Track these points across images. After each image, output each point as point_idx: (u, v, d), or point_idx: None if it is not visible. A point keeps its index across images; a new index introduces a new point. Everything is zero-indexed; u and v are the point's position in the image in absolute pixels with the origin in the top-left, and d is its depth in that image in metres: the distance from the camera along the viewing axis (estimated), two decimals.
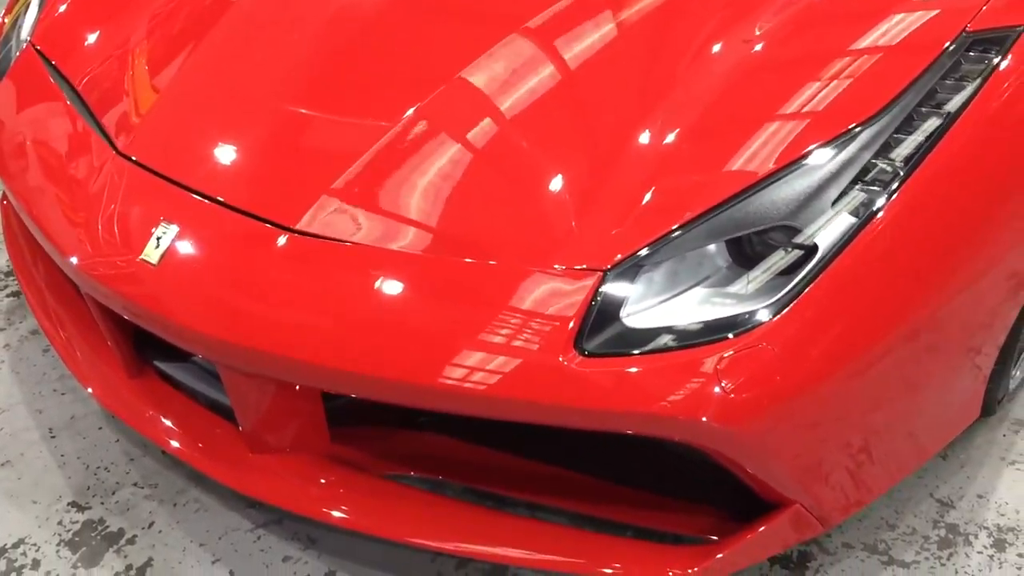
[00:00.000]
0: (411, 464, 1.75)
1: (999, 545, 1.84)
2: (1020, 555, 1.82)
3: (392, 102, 1.73)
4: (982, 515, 1.90)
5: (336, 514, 1.66)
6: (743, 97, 1.61)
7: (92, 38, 2.08)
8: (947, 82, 1.51)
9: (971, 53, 1.53)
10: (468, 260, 1.48)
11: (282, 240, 1.55)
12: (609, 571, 1.55)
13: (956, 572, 1.79)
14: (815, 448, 1.48)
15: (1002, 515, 1.89)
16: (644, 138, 1.58)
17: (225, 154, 1.73)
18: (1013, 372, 1.96)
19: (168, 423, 1.77)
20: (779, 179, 1.45)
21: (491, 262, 1.47)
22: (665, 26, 1.84)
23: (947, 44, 1.55)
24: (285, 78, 1.84)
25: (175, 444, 1.75)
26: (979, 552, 1.82)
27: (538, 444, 1.74)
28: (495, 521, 1.66)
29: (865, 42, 1.63)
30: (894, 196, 1.42)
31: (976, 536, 1.85)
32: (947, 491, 1.95)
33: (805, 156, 1.46)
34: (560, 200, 1.54)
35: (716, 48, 1.71)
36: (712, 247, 1.46)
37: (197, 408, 1.79)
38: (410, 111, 1.70)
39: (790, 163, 1.46)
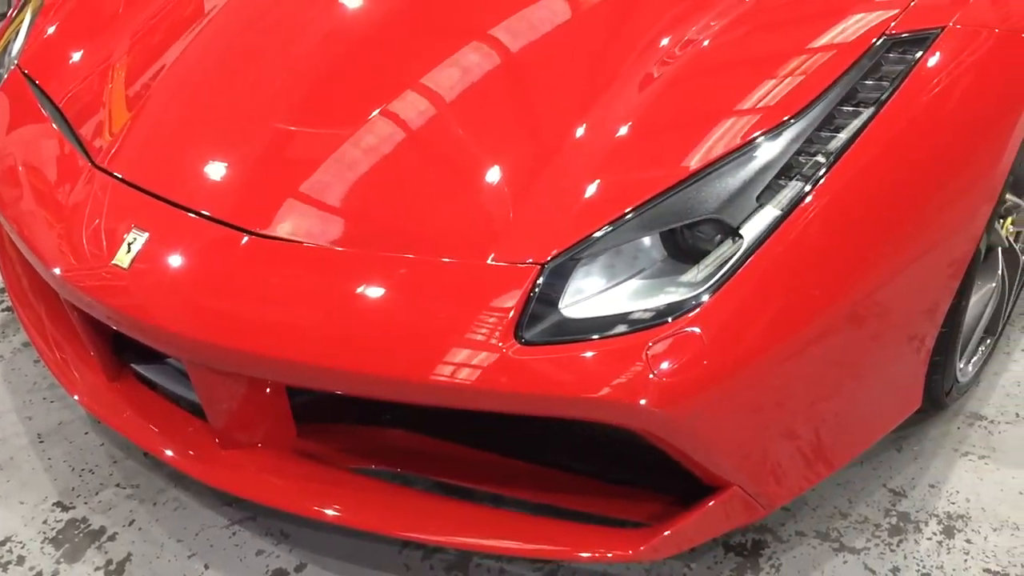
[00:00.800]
0: (378, 458, 1.83)
1: (948, 532, 1.89)
2: (968, 541, 1.87)
3: (354, 110, 1.83)
4: (933, 503, 1.96)
5: (303, 505, 1.74)
6: (678, 96, 1.69)
7: (74, 58, 2.20)
8: (868, 82, 1.59)
9: (891, 54, 1.62)
10: (414, 256, 1.57)
11: (245, 242, 1.65)
12: (559, 554, 1.63)
13: (905, 557, 1.85)
14: (751, 431, 1.55)
15: (952, 503, 1.95)
16: (584, 133, 1.67)
17: (194, 164, 1.83)
18: (960, 365, 2.02)
19: (144, 422, 1.86)
20: (707, 175, 1.53)
21: (437, 258, 1.56)
22: (617, 22, 1.93)
23: (868, 46, 1.63)
24: (251, 90, 1.94)
25: (150, 442, 1.83)
26: (928, 539, 1.88)
27: (503, 439, 1.81)
28: (458, 511, 1.74)
29: (793, 44, 1.71)
30: (815, 189, 1.50)
31: (926, 524, 1.91)
32: (900, 481, 2.01)
33: (732, 153, 1.55)
34: (502, 196, 1.63)
35: (662, 45, 1.79)
36: (647, 240, 1.54)
37: (171, 407, 1.88)
38: (371, 116, 1.80)
39: (718, 159, 1.54)
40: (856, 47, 1.64)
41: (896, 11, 1.69)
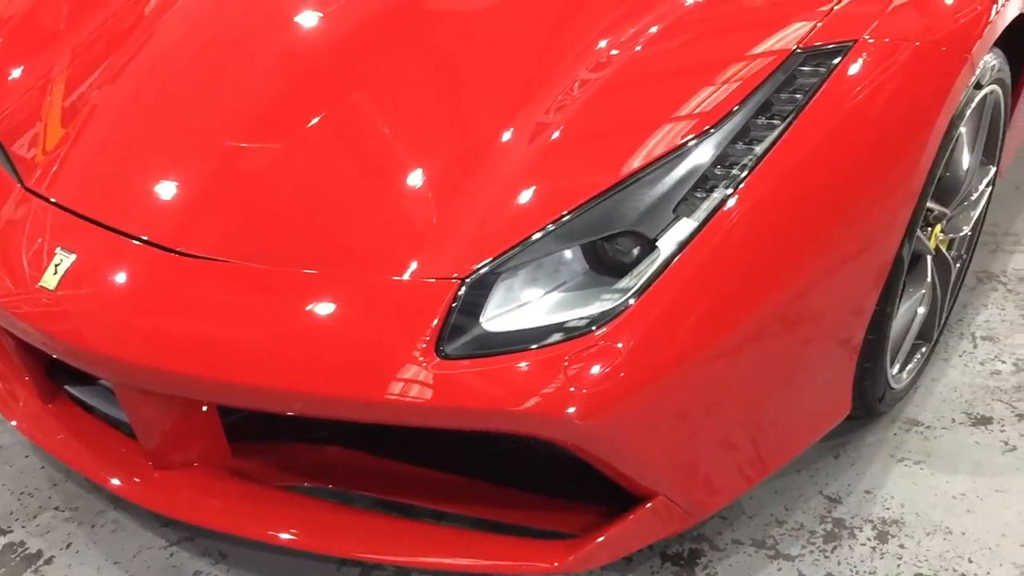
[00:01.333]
0: (316, 476, 1.83)
1: (882, 537, 1.91)
2: (901, 546, 1.89)
3: (283, 127, 1.83)
4: (868, 509, 1.98)
5: (239, 526, 1.74)
6: (601, 106, 1.71)
7: (12, 77, 2.20)
8: (782, 95, 1.61)
9: (805, 67, 1.64)
10: (337, 273, 1.58)
11: (169, 262, 1.65)
12: (492, 567, 1.63)
13: (839, 563, 1.86)
14: (678, 439, 1.57)
15: (887, 509, 1.97)
16: (510, 139, 1.69)
17: (121, 184, 1.83)
18: (893, 372, 2.05)
19: (77, 444, 1.85)
20: (625, 187, 1.55)
21: (359, 273, 1.57)
22: (558, 25, 1.94)
23: (784, 58, 1.65)
24: (176, 112, 1.94)
25: (83, 464, 1.83)
26: (862, 544, 1.90)
27: (441, 454, 1.82)
28: (394, 528, 1.74)
29: (716, 56, 1.74)
30: (731, 201, 1.52)
31: (861, 529, 1.93)
32: (836, 488, 2.03)
33: (650, 165, 1.56)
34: (426, 208, 1.64)
35: (597, 49, 1.81)
36: (568, 253, 1.55)
37: (106, 429, 1.88)
38: (299, 133, 1.81)
39: (636, 171, 1.56)
40: (773, 59, 1.66)
41: (814, 23, 1.72)
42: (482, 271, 1.53)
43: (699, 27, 1.86)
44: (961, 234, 2.26)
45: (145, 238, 1.69)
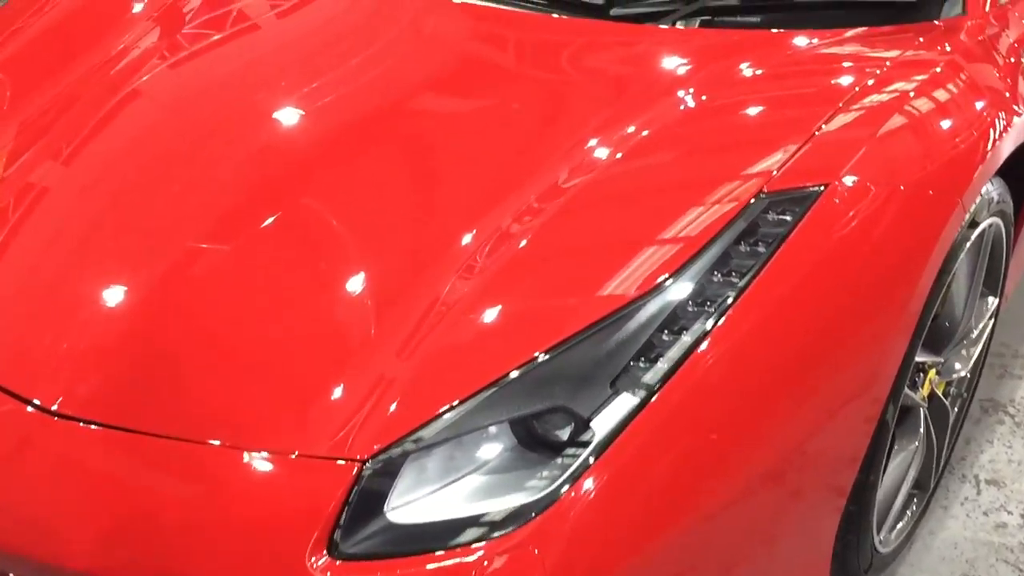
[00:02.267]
0: None
1: None
2: None
3: (197, 262, 1.63)
4: None
5: None
6: (550, 238, 1.51)
7: None
8: (742, 247, 1.41)
9: (769, 215, 1.44)
10: (217, 444, 1.35)
11: (29, 420, 1.43)
12: None
13: None
14: None
15: None
16: (438, 292, 1.46)
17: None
18: (880, 537, 1.82)
19: None
20: (557, 355, 1.34)
21: (249, 448, 1.35)
22: (538, 129, 1.77)
23: (746, 203, 1.45)
24: (77, 243, 1.73)
25: None
26: None
27: None
28: None
29: (676, 189, 1.56)
30: (678, 374, 1.31)
31: None
32: None
33: (586, 329, 1.35)
34: (332, 374, 1.40)
35: (573, 158, 1.63)
36: (493, 428, 1.34)
37: None
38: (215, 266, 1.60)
39: (571, 336, 1.35)
40: (737, 202, 1.46)
41: (796, 148, 1.53)
42: (390, 450, 1.31)
43: (669, 150, 1.67)
44: (959, 375, 2.04)
45: (9, 389, 1.47)
